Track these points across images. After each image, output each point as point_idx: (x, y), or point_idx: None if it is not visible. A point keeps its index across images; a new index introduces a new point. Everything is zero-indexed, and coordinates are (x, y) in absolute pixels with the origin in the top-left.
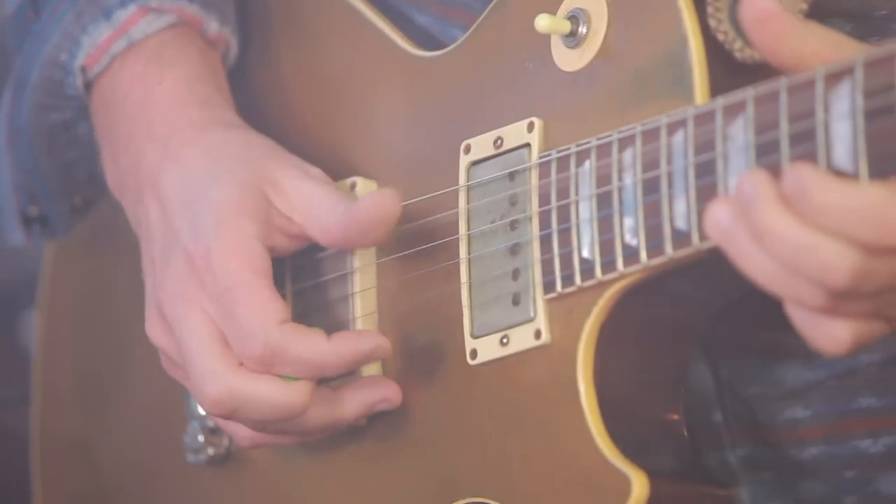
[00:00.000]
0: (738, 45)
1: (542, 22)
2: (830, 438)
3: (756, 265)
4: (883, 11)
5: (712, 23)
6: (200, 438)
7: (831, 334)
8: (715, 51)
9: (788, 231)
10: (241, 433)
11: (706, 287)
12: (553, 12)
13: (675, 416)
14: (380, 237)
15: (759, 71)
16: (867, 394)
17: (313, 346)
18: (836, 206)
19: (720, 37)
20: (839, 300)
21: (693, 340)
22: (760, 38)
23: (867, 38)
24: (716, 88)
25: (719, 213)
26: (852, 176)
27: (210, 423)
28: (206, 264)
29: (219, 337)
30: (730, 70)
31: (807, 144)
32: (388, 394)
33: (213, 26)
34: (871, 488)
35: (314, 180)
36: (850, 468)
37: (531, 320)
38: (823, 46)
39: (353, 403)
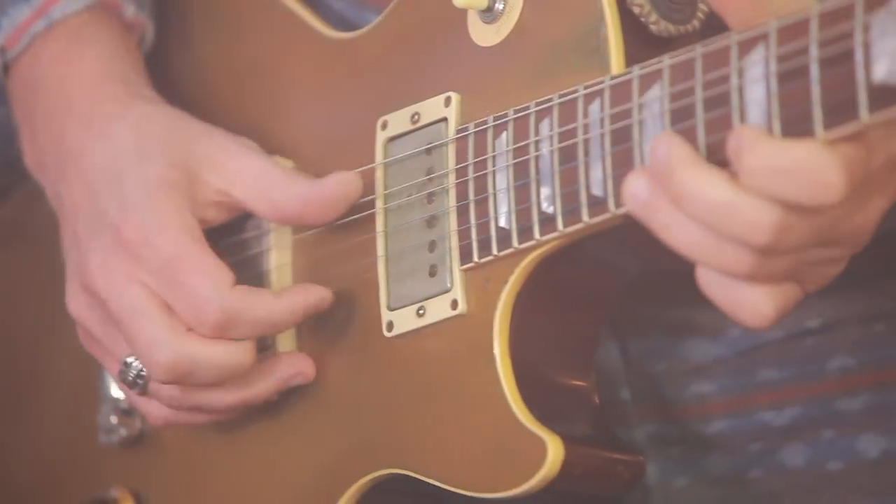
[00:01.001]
0: (653, 17)
1: None
2: (735, 412)
3: (678, 233)
4: None
5: None
6: (113, 419)
7: (755, 307)
8: (630, 23)
9: (707, 191)
10: (154, 412)
11: (619, 254)
12: None
13: (588, 384)
14: (336, 216)
15: (674, 44)
16: (770, 367)
17: (267, 305)
18: (768, 164)
19: (636, 10)
20: (763, 260)
21: (605, 309)
22: None
23: None
24: (631, 60)
25: (637, 185)
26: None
27: (123, 404)
28: (142, 237)
29: (162, 306)
30: (645, 42)
31: (721, 109)
32: (301, 368)
33: (130, 9)
34: (775, 460)
35: (254, 153)
36: (755, 441)
37: (447, 291)
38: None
39: (266, 379)
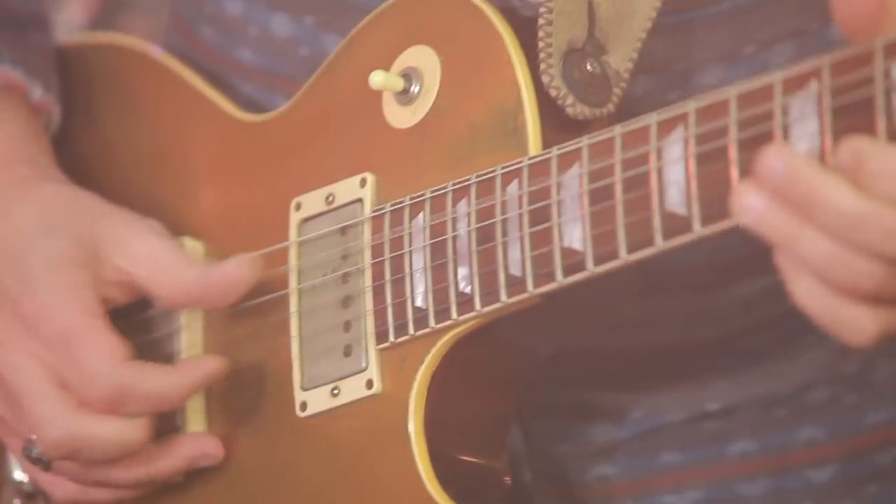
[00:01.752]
0: (569, 100)
1: (376, 79)
2: (638, 495)
3: (807, 244)
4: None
5: (545, 79)
6: (17, 503)
7: (857, 324)
8: (547, 106)
9: (844, 200)
10: (60, 490)
11: (534, 334)
12: (386, 70)
13: (501, 464)
14: (236, 299)
15: (590, 126)
16: (671, 450)
17: (159, 378)
18: (892, 168)
19: (552, 92)
20: (893, 274)
21: (519, 388)
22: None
23: (666, 93)
24: (548, 142)
25: (751, 198)
26: (684, 219)
27: (27, 486)
28: (40, 312)
29: (55, 381)
30: (561, 125)
31: (640, 190)
32: (207, 449)
33: (37, 92)
34: None
35: (158, 235)
36: None
37: (363, 371)
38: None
39: (169, 458)
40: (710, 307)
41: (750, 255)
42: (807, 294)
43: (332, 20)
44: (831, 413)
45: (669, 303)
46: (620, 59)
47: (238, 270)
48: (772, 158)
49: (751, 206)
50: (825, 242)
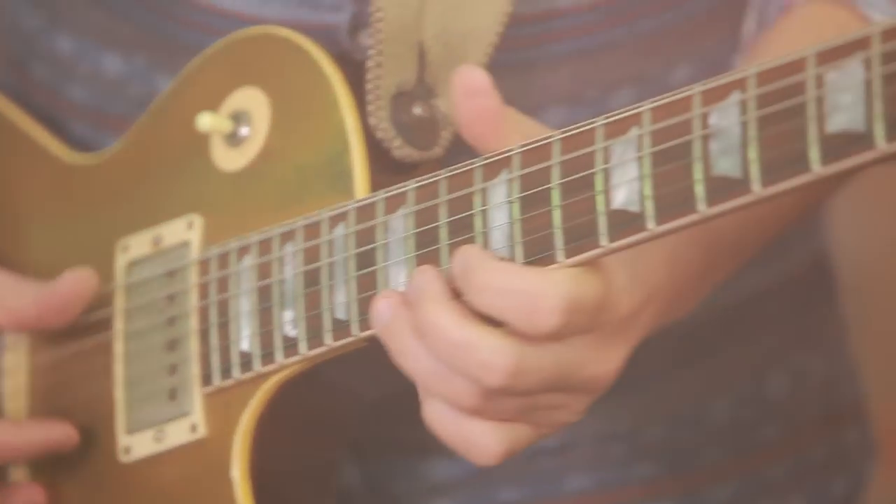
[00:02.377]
0: (396, 143)
1: (204, 121)
2: None
3: (413, 360)
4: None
5: (372, 121)
6: None
7: (482, 443)
8: (375, 148)
9: (449, 327)
10: None
11: (361, 377)
12: (215, 111)
13: None
14: (75, 315)
15: (419, 169)
16: (509, 486)
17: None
18: (494, 286)
19: (379, 134)
20: (493, 399)
21: (347, 432)
22: (466, 110)
23: None
24: (376, 185)
25: (382, 306)
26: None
27: None
28: None
29: None
30: (391, 168)
31: (465, 233)
32: (32, 498)
33: None
34: None
35: None
36: None
37: (187, 414)
38: (517, 132)
39: None
40: None
41: None
42: (431, 411)
43: (164, 60)
44: (667, 450)
45: None
46: (451, 104)
47: (74, 285)
48: (415, 273)
49: (379, 313)
50: (429, 360)
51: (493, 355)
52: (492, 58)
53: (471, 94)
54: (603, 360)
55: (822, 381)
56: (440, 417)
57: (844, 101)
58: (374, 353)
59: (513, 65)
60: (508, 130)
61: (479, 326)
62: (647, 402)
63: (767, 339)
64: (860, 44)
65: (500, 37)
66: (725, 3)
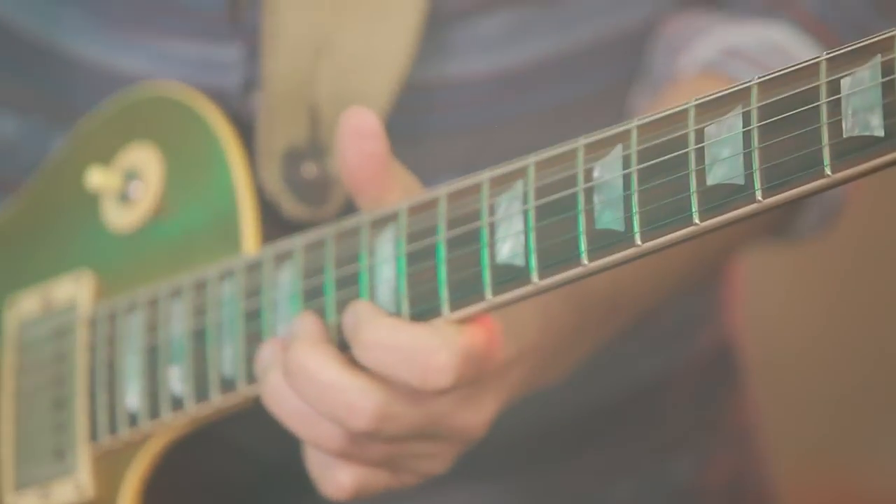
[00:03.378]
0: (286, 200)
1: (95, 178)
2: None
3: (283, 403)
4: None
5: (263, 176)
6: None
7: (336, 479)
8: (265, 206)
9: (313, 367)
10: None
11: (262, 440)
12: (106, 169)
13: None
14: None
15: (308, 227)
16: None
17: None
18: (384, 343)
19: (269, 189)
20: (355, 443)
21: (246, 497)
22: (351, 153)
23: None
24: (267, 242)
25: (264, 351)
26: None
27: None
28: None
29: None
30: (280, 225)
31: (351, 288)
32: None
33: None
34: None
35: None
36: None
37: (72, 473)
38: (399, 183)
39: None
40: None
41: None
42: (307, 449)
43: (60, 121)
44: None
45: None
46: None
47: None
48: (295, 321)
49: (261, 356)
50: (296, 402)
51: (360, 398)
52: (385, 123)
53: (359, 137)
54: (472, 412)
55: (729, 468)
56: (310, 455)
57: (724, 153)
58: (270, 414)
59: (406, 132)
60: (391, 181)
61: (348, 369)
62: (551, 482)
63: (672, 422)
64: (739, 96)
65: (393, 101)
66: (619, 81)
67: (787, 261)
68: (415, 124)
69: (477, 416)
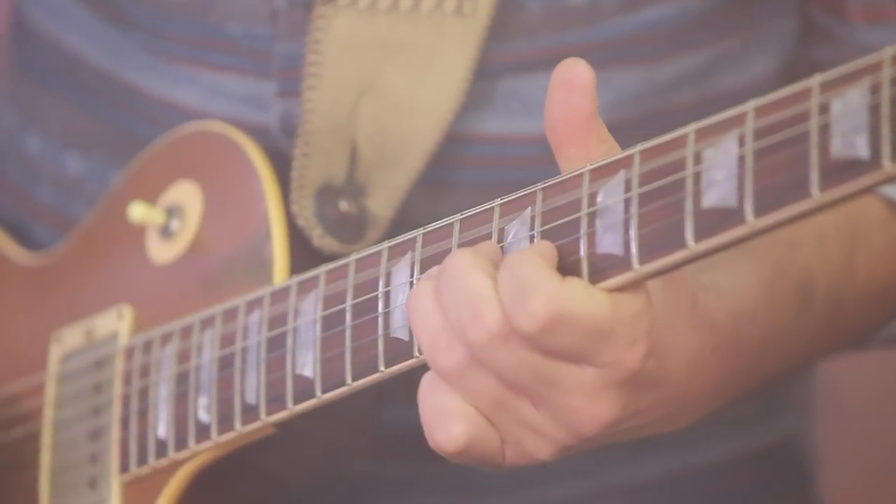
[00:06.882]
0: (317, 232)
1: (136, 211)
2: None
3: (419, 305)
4: None
5: (294, 209)
6: None
7: (449, 427)
8: (296, 237)
9: (462, 272)
10: None
11: (289, 466)
12: (152, 205)
13: None
14: None
15: (336, 259)
16: None
17: None
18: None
19: (300, 222)
20: (470, 365)
21: None
22: (558, 105)
23: None
24: (297, 273)
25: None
26: (407, 343)
27: None
28: None
29: None
30: (311, 256)
31: (370, 315)
32: None
33: None
34: None
35: None
36: None
37: (104, 503)
38: (602, 148)
39: None
40: None
41: None
42: (423, 383)
43: (121, 155)
44: None
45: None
46: (381, 205)
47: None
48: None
49: (416, 291)
50: (433, 307)
51: (488, 308)
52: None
53: (567, 89)
54: (588, 399)
55: None
56: (424, 385)
57: (719, 176)
58: (299, 441)
59: (437, 180)
60: (595, 144)
61: (489, 280)
62: None
63: None
64: (736, 121)
65: (439, 146)
66: None
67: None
68: (447, 173)
69: (594, 407)
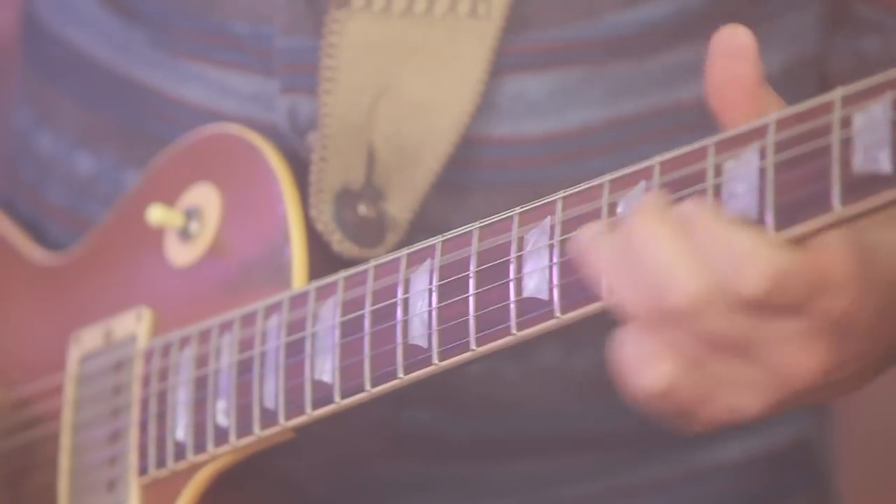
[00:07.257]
0: (336, 237)
1: (154, 214)
2: None
3: (615, 268)
4: None
5: (313, 213)
6: None
7: (651, 369)
8: (315, 241)
9: (656, 241)
10: None
11: (309, 471)
12: (170, 207)
13: None
14: None
15: (355, 263)
16: None
17: None
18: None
19: (319, 227)
20: (665, 319)
21: None
22: (720, 71)
23: None
24: (317, 277)
25: (590, 227)
26: (425, 351)
27: None
28: None
29: None
30: (331, 261)
31: (388, 322)
32: None
33: None
34: None
35: None
36: None
37: None
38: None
39: None
40: None
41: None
42: (620, 337)
43: (133, 154)
44: None
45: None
46: (400, 208)
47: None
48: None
49: (587, 231)
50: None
51: (686, 277)
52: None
53: (731, 55)
54: (801, 349)
55: None
56: (621, 336)
57: (740, 189)
58: (316, 444)
59: (451, 184)
60: (760, 108)
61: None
62: None
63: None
64: (757, 133)
65: (455, 147)
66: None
67: None
68: (461, 175)
69: (807, 355)
